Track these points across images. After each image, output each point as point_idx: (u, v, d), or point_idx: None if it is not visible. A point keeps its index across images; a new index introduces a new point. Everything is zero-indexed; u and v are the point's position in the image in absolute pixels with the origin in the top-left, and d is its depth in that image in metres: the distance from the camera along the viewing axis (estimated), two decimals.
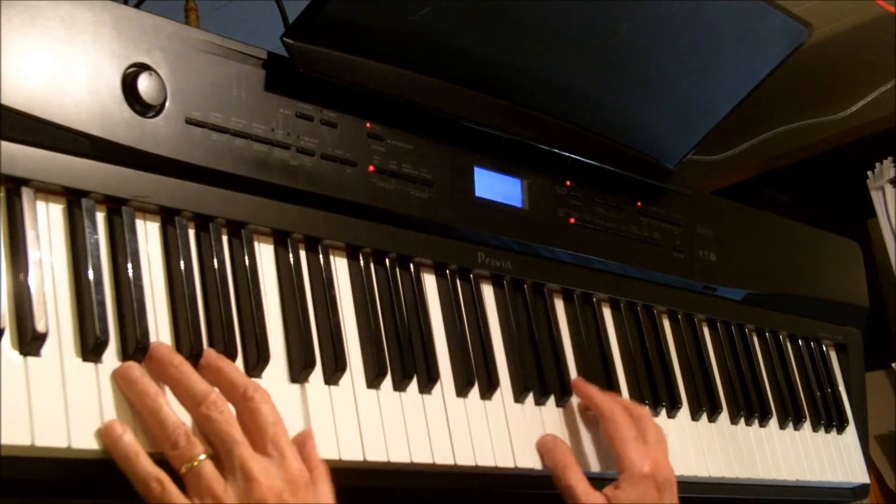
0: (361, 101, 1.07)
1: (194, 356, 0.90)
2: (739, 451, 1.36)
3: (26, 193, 0.85)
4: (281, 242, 1.01)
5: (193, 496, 0.83)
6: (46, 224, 0.86)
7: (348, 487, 0.94)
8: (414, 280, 1.10)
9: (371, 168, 1.07)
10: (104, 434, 0.82)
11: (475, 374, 1.10)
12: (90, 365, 0.84)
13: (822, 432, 1.53)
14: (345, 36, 1.04)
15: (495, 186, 1.19)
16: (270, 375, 0.95)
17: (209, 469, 0.83)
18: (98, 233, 0.88)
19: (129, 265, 0.88)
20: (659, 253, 1.36)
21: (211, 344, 0.92)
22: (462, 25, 1.11)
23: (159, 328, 0.90)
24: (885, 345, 1.99)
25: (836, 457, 1.52)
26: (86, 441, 0.81)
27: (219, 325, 0.93)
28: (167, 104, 0.93)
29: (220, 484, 0.83)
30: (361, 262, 1.06)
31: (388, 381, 1.03)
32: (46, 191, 0.87)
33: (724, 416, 1.37)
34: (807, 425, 1.50)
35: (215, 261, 0.95)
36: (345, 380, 1.00)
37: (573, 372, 1.22)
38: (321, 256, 1.03)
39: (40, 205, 0.86)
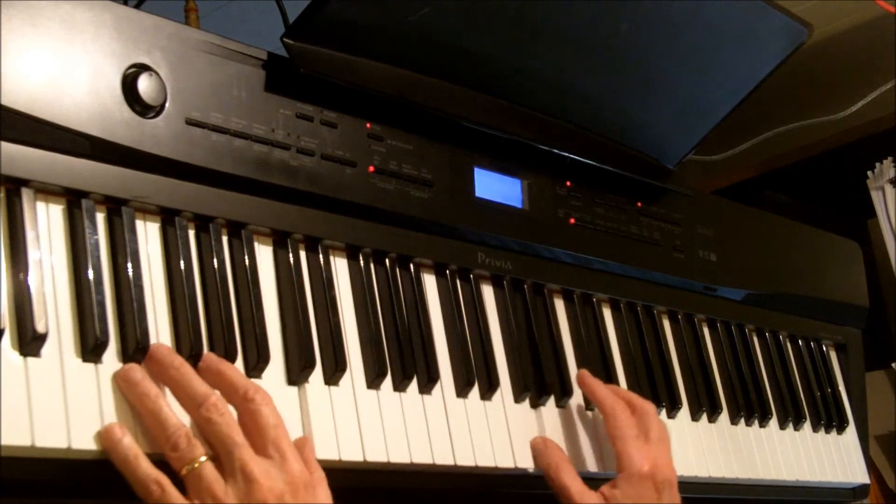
0: (361, 101, 1.07)
1: (194, 356, 0.90)
2: (739, 451, 1.36)
3: (26, 194, 0.85)
4: (281, 243, 1.01)
5: (194, 498, 0.83)
6: (46, 224, 0.86)
7: (348, 487, 0.94)
8: (414, 280, 1.10)
9: (371, 168, 1.07)
10: (103, 437, 0.82)
11: (475, 375, 1.10)
12: (90, 365, 0.84)
13: (822, 432, 1.53)
14: (345, 36, 1.04)
15: (495, 186, 1.19)
16: (270, 376, 0.95)
17: (210, 471, 0.83)
18: (98, 233, 0.88)
19: (129, 265, 0.88)
20: (659, 253, 1.35)
21: (211, 344, 0.92)
22: (462, 25, 1.11)
23: (159, 328, 0.90)
24: (885, 345, 1.99)
25: (836, 457, 1.52)
26: (86, 442, 0.81)
27: (219, 325, 0.93)
28: (167, 104, 0.93)
29: (220, 486, 0.83)
30: (361, 262, 1.06)
31: (388, 382, 1.03)
32: (46, 191, 0.87)
33: (724, 416, 1.37)
34: (807, 425, 1.50)
35: (215, 261, 0.95)
36: (345, 380, 1.00)
37: (573, 372, 1.22)
38: (321, 257, 1.03)
39: (40, 205, 0.86)
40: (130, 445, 0.82)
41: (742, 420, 1.39)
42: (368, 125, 1.08)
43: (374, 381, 1.02)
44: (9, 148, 0.84)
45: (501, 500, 1.15)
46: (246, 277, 0.96)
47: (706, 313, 1.43)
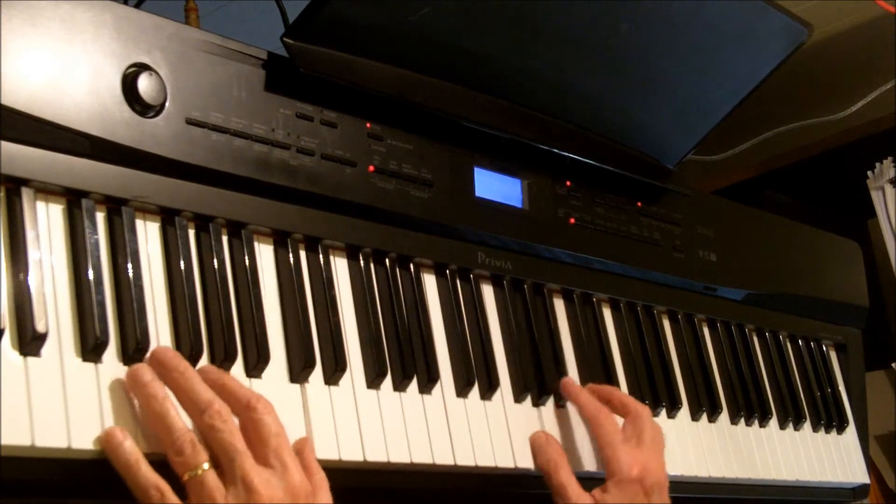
0: (361, 101, 1.07)
1: (194, 356, 0.90)
2: (739, 451, 1.36)
3: (26, 193, 0.85)
4: (281, 242, 1.01)
5: None
6: (46, 224, 0.86)
7: (348, 487, 0.94)
8: (414, 280, 1.10)
9: (371, 168, 1.07)
10: (104, 440, 0.81)
11: (475, 375, 1.10)
12: (90, 365, 0.84)
13: (822, 432, 1.53)
14: (345, 36, 1.04)
15: (495, 186, 1.19)
16: (270, 376, 0.95)
17: (212, 478, 0.83)
18: (98, 233, 0.88)
19: (129, 265, 0.88)
20: (659, 253, 1.36)
21: (211, 344, 0.92)
22: (462, 25, 1.11)
23: (159, 328, 0.90)
24: (885, 345, 1.99)
25: (836, 457, 1.52)
26: (86, 441, 0.81)
27: (219, 325, 0.93)
28: (167, 104, 0.93)
29: (221, 493, 0.83)
30: (361, 262, 1.06)
31: (388, 382, 1.03)
32: (46, 191, 0.87)
33: (724, 416, 1.37)
34: (807, 425, 1.50)
35: (215, 261, 0.95)
36: (345, 380, 1.00)
37: (573, 372, 1.22)
38: (321, 256, 1.03)
39: (40, 205, 0.86)
40: (132, 450, 0.82)
41: (742, 420, 1.39)
42: (368, 125, 1.08)
43: (374, 381, 1.02)
44: (9, 148, 0.84)
45: (501, 500, 1.15)
46: (246, 277, 0.96)
47: (706, 313, 1.43)
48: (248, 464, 0.84)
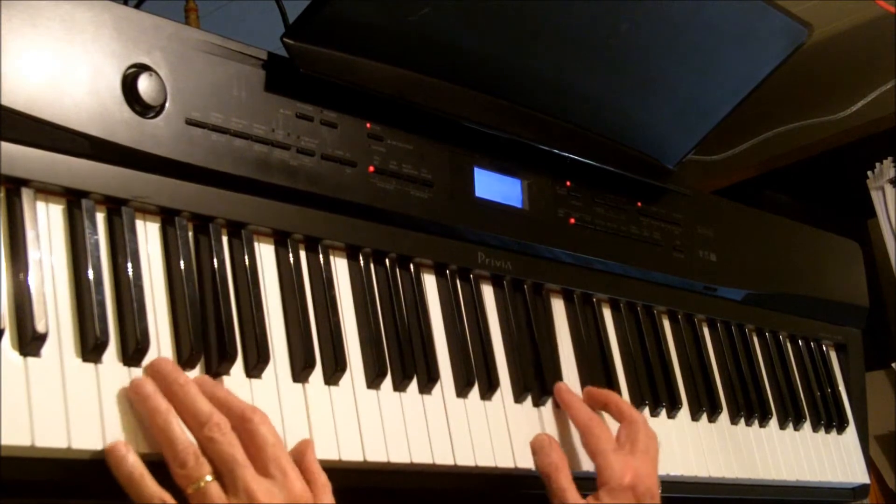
0: (361, 101, 1.07)
1: (194, 357, 0.90)
2: (739, 451, 1.36)
3: (26, 194, 0.85)
4: (281, 243, 1.01)
5: None
6: (46, 224, 0.86)
7: (348, 487, 0.94)
8: (414, 280, 1.10)
9: (371, 168, 1.07)
10: (108, 454, 0.82)
11: (475, 375, 1.10)
12: (90, 365, 0.84)
13: (822, 432, 1.53)
14: (345, 36, 1.04)
15: (495, 186, 1.19)
16: (270, 376, 0.95)
17: (215, 490, 0.84)
18: (98, 233, 0.88)
19: (129, 265, 0.88)
20: (659, 253, 1.35)
21: (210, 344, 0.92)
22: (462, 25, 1.11)
23: (159, 328, 0.90)
24: (885, 345, 1.99)
25: (836, 457, 1.52)
26: (86, 441, 0.81)
27: (219, 325, 0.93)
28: (167, 104, 0.93)
29: None
30: (361, 262, 1.06)
31: (388, 382, 1.03)
32: (46, 191, 0.87)
33: (724, 416, 1.37)
34: (807, 425, 1.50)
35: (215, 261, 0.95)
36: (345, 380, 1.00)
37: (574, 372, 1.22)
38: (321, 256, 1.03)
39: (40, 205, 0.86)
40: (135, 463, 0.82)
41: (742, 420, 1.39)
42: (368, 125, 1.08)
43: (374, 381, 1.02)
44: (9, 148, 0.84)
45: (501, 500, 1.15)
46: (246, 277, 0.96)
47: (706, 313, 1.43)
48: (250, 475, 0.85)
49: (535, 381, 1.17)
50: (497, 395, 1.12)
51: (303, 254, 1.02)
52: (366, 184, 1.06)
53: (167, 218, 0.94)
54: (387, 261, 1.08)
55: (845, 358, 1.65)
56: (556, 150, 1.24)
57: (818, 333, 1.61)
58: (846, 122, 1.90)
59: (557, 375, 1.19)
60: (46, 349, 0.82)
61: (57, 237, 0.86)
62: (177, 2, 1.54)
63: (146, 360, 0.87)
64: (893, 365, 1.93)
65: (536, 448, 1.12)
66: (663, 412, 1.29)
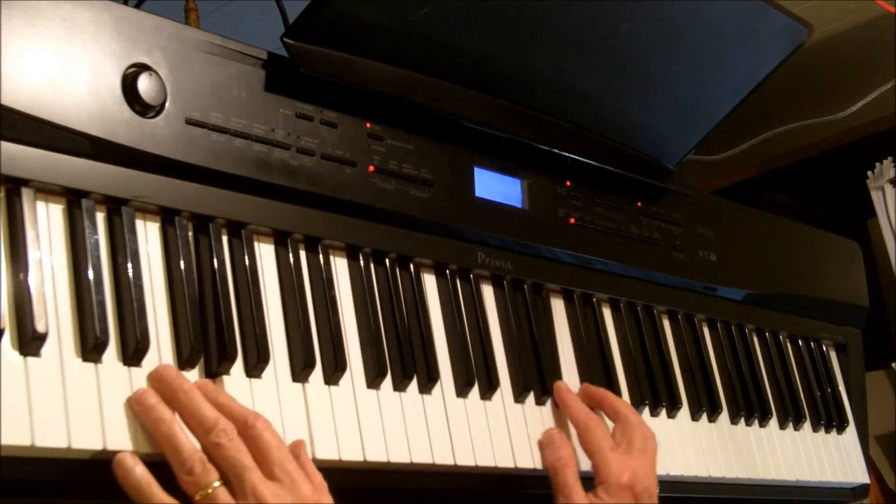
0: (361, 101, 1.07)
1: (194, 357, 0.90)
2: (739, 451, 1.36)
3: (26, 193, 0.85)
4: (281, 242, 1.01)
5: None
6: (46, 224, 0.86)
7: (348, 487, 0.94)
8: (414, 280, 1.10)
9: (371, 168, 1.07)
10: (116, 467, 0.82)
11: (475, 375, 1.10)
12: (90, 365, 0.84)
13: (822, 432, 1.53)
14: (345, 36, 1.04)
15: (495, 186, 1.19)
16: (270, 376, 0.95)
17: (224, 496, 0.84)
18: (98, 233, 0.88)
19: (129, 265, 0.88)
20: (659, 253, 1.35)
21: (210, 344, 0.92)
22: (462, 25, 1.11)
23: (159, 328, 0.90)
24: (885, 345, 1.99)
25: (836, 457, 1.52)
26: (86, 441, 0.81)
27: (219, 325, 0.93)
28: (167, 104, 0.93)
29: None
30: (361, 262, 1.06)
31: (388, 382, 1.03)
32: (46, 191, 0.87)
33: (724, 416, 1.37)
34: (807, 425, 1.50)
35: (215, 261, 0.95)
36: (345, 380, 1.00)
37: (574, 372, 1.22)
38: (321, 256, 1.03)
39: (40, 205, 0.86)
40: (143, 474, 0.82)
41: (742, 420, 1.39)
42: (368, 125, 1.08)
43: (374, 381, 1.02)
44: (9, 148, 0.84)
45: (501, 500, 1.15)
46: (246, 277, 0.96)
47: (706, 313, 1.43)
48: (257, 479, 0.85)
49: (536, 380, 1.17)
50: (497, 395, 1.12)
51: (303, 254, 1.02)
52: (366, 184, 1.06)
53: (167, 218, 0.94)
54: (387, 261, 1.08)
55: (845, 358, 1.65)
56: (556, 150, 1.24)
57: (818, 333, 1.61)
58: (846, 122, 1.90)
59: (557, 375, 1.19)
60: (46, 349, 0.82)
61: (57, 237, 0.86)
62: (177, 2, 1.54)
63: (146, 360, 0.87)
64: (893, 365, 1.93)
65: (547, 442, 1.12)
66: (663, 412, 1.29)
